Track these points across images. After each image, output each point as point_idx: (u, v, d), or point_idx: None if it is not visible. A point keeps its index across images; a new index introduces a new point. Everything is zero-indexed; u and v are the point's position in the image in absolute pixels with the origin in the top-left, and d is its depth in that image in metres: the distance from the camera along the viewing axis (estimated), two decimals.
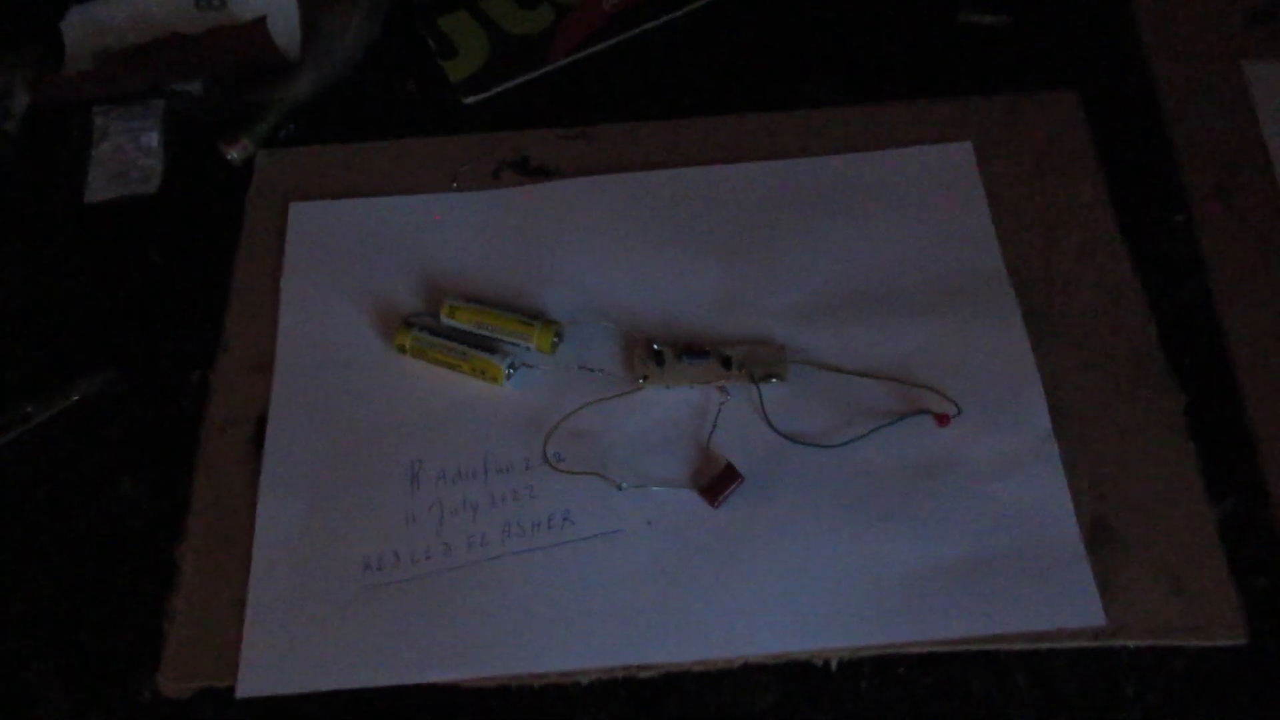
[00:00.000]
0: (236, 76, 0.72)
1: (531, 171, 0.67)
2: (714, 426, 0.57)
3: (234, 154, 0.69)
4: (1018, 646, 0.52)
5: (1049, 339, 0.59)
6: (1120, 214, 0.63)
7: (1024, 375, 0.58)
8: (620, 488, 0.55)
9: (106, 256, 0.66)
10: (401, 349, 0.60)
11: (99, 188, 0.69)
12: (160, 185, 0.69)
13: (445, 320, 0.60)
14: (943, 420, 0.56)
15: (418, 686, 0.52)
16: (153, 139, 0.70)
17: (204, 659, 0.53)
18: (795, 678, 0.52)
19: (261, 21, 0.71)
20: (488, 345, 0.60)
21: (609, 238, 0.64)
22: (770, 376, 0.58)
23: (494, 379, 0.59)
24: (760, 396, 0.57)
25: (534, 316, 0.60)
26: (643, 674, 0.52)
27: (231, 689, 0.52)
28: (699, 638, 0.52)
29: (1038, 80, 0.69)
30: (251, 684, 0.52)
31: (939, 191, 0.64)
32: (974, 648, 0.52)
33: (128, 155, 0.70)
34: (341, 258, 0.65)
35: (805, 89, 0.69)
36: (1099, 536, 0.54)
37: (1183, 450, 0.56)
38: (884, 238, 0.63)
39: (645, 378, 0.58)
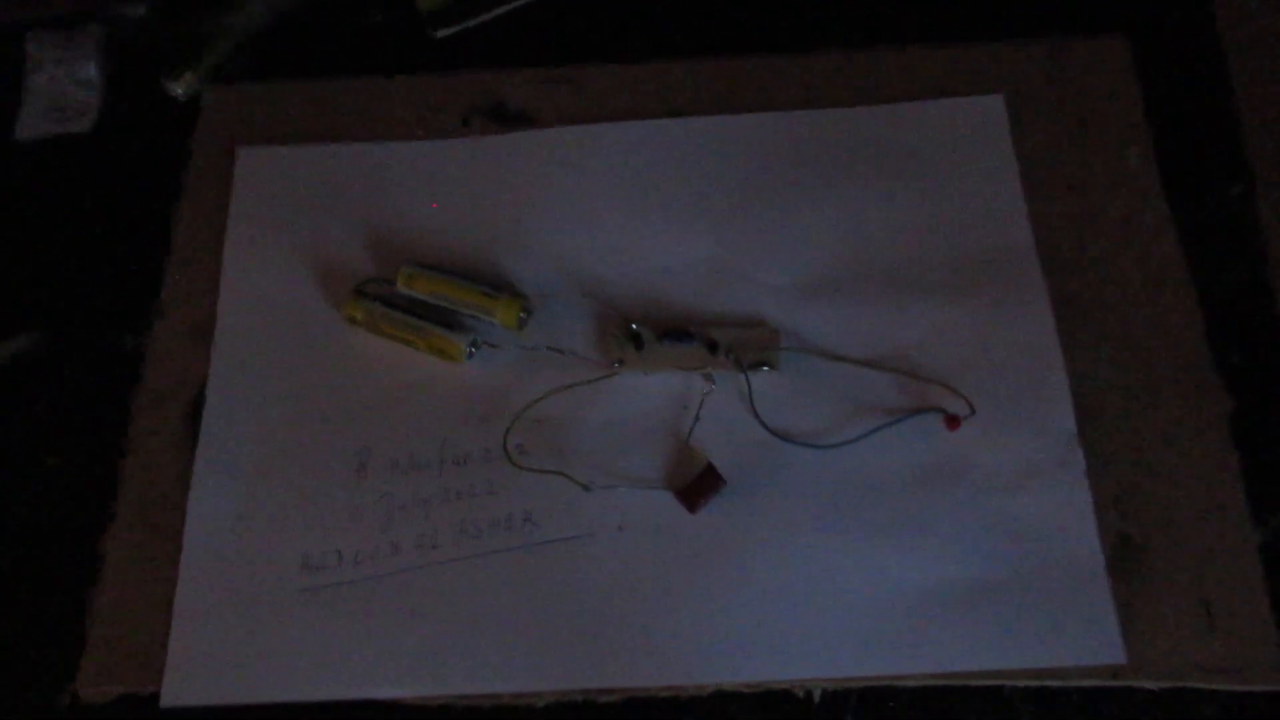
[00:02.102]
0: (183, 0, 0.64)
1: (507, 119, 0.60)
2: (696, 420, 0.51)
3: (179, 89, 0.62)
4: (1024, 683, 0.46)
5: (1079, 329, 0.52)
6: (1169, 183, 0.56)
7: (1048, 370, 0.51)
8: (588, 489, 0.50)
9: (34, 202, 0.60)
10: (352, 320, 0.54)
11: (30, 124, 0.63)
12: (96, 122, 0.62)
13: (402, 289, 0.54)
14: (952, 423, 0.50)
15: (357, 702, 0.47)
16: (90, 70, 0.63)
17: (127, 662, 0.49)
18: (772, 709, 0.47)
19: None
20: (447, 320, 0.53)
21: (588, 198, 0.57)
22: (761, 364, 0.51)
23: (453, 358, 0.53)
24: (749, 387, 0.51)
25: (499, 288, 0.54)
26: (603, 698, 0.47)
27: (155, 696, 0.48)
28: (668, 660, 0.47)
29: (1083, 23, 0.60)
30: (176, 693, 0.48)
31: (963, 152, 0.57)
32: (974, 682, 0.46)
33: (62, 88, 0.63)
34: (292, 212, 0.58)
35: (813, 29, 0.61)
36: (1123, 559, 0.48)
37: (1225, 462, 0.50)
38: (897, 205, 0.56)
39: (621, 361, 0.52)
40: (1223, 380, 0.51)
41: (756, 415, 0.51)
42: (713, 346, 0.52)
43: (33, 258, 0.58)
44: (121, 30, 0.65)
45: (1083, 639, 0.46)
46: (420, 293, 0.54)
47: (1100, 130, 0.57)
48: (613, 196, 0.57)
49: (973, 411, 0.50)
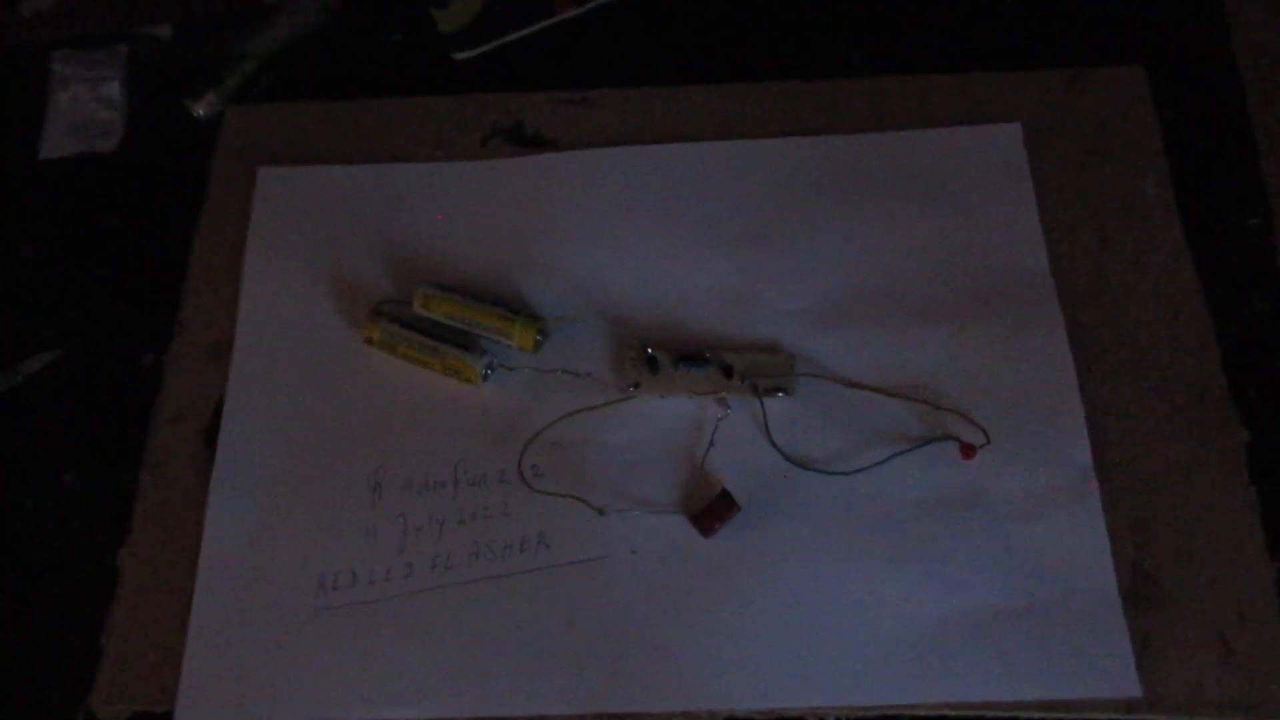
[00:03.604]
0: (206, 22, 0.65)
1: (525, 140, 0.60)
2: (710, 444, 0.51)
3: (200, 110, 0.63)
4: (1038, 715, 0.46)
5: (1096, 358, 0.52)
6: (1187, 214, 0.56)
7: (1065, 400, 0.51)
8: (602, 513, 0.50)
9: (57, 220, 0.61)
10: (369, 341, 0.54)
11: (55, 143, 0.63)
12: (119, 142, 0.63)
13: (419, 310, 0.54)
14: (968, 452, 0.50)
15: None
16: (114, 89, 0.64)
17: (141, 680, 0.49)
18: None
19: None
20: (464, 341, 0.54)
21: (604, 221, 0.57)
22: (776, 390, 0.52)
23: (469, 379, 0.53)
24: (764, 412, 0.51)
25: (516, 310, 0.54)
26: None
27: (169, 715, 0.48)
28: (681, 684, 0.47)
29: (1101, 53, 0.60)
30: (191, 712, 0.48)
31: (981, 180, 0.57)
32: (988, 713, 0.46)
33: (87, 107, 0.64)
34: (311, 232, 0.58)
35: (833, 55, 0.62)
36: (1139, 592, 0.48)
37: (1242, 495, 0.49)
38: (914, 231, 0.56)
39: (637, 385, 0.52)
40: (1239, 412, 0.51)
41: (771, 441, 0.51)
42: (728, 371, 0.52)
43: (54, 275, 0.59)
44: (145, 51, 0.65)
45: (1098, 671, 0.46)
46: (437, 314, 0.54)
47: (1117, 159, 0.57)
48: (629, 220, 0.57)
49: (988, 440, 0.50)
